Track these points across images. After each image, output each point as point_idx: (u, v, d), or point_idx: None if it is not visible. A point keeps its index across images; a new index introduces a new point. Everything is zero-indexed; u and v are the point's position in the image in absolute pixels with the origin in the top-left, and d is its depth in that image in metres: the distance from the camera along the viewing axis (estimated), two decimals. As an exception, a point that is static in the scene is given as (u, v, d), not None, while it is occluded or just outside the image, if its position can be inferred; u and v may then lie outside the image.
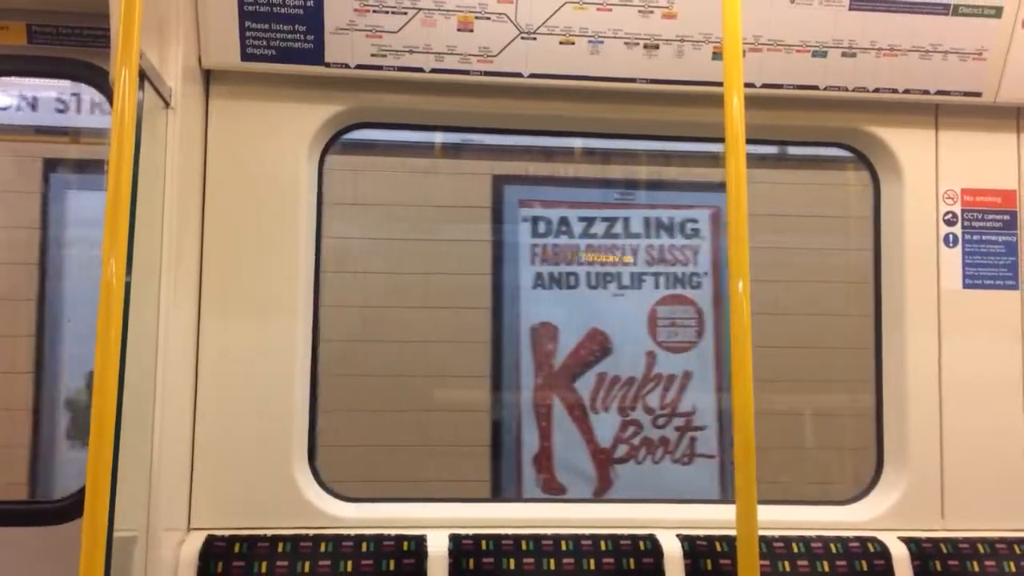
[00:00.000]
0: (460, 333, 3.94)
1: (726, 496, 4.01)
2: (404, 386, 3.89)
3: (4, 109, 3.85)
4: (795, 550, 2.46)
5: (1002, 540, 2.55)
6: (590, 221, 4.03)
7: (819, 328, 3.99)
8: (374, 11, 2.38)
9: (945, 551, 2.49)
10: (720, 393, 4.02)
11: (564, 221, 4.01)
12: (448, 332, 3.92)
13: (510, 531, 2.45)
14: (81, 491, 2.30)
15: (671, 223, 4.06)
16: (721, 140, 1.87)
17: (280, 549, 2.33)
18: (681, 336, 4.00)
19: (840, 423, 3.96)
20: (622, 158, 4.10)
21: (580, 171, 4.13)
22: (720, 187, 4.04)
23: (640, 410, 3.97)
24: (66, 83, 3.68)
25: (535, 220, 4.01)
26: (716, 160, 4.01)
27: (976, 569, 2.48)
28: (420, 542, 2.38)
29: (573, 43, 2.46)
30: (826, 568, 2.43)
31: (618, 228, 4.04)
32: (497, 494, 2.46)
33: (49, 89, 3.79)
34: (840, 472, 3.96)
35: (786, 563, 2.43)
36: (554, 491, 3.90)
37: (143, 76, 1.95)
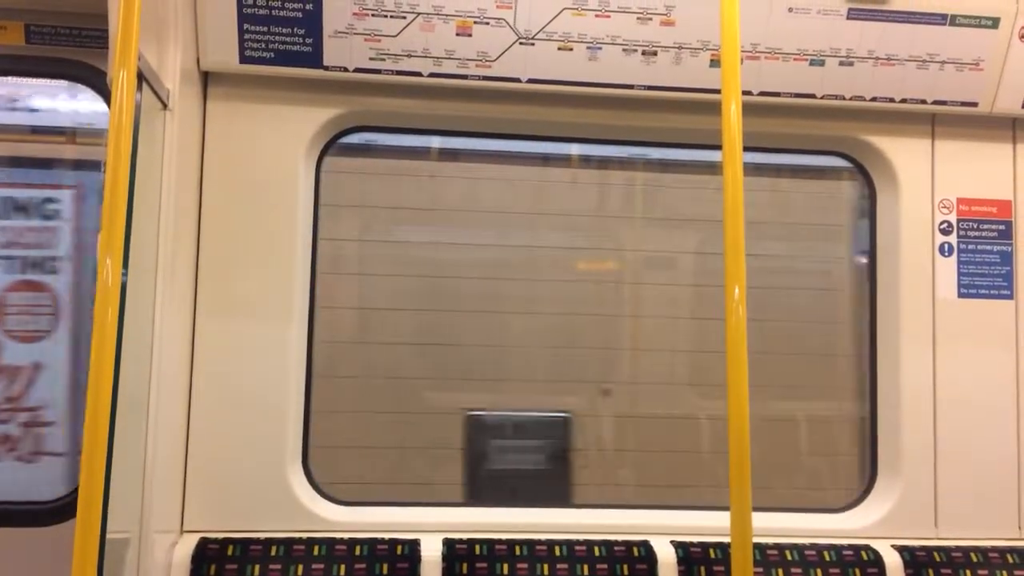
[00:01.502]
0: None
1: None
2: None
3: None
4: (789, 557, 2.46)
5: (995, 549, 2.55)
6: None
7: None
8: (373, 15, 2.39)
9: (938, 559, 2.50)
10: (76, 386, 3.56)
11: None
12: None
13: (504, 536, 2.44)
14: (74, 492, 2.29)
15: (28, 203, 3.57)
16: (718, 147, 1.87)
17: (273, 552, 2.32)
18: (33, 325, 3.54)
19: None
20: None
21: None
22: (86, 166, 3.85)
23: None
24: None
25: None
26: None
27: None
28: (414, 546, 2.38)
29: (571, 49, 2.46)
30: None
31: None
32: None
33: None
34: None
35: (780, 570, 2.43)
36: None
37: (141, 77, 1.95)
